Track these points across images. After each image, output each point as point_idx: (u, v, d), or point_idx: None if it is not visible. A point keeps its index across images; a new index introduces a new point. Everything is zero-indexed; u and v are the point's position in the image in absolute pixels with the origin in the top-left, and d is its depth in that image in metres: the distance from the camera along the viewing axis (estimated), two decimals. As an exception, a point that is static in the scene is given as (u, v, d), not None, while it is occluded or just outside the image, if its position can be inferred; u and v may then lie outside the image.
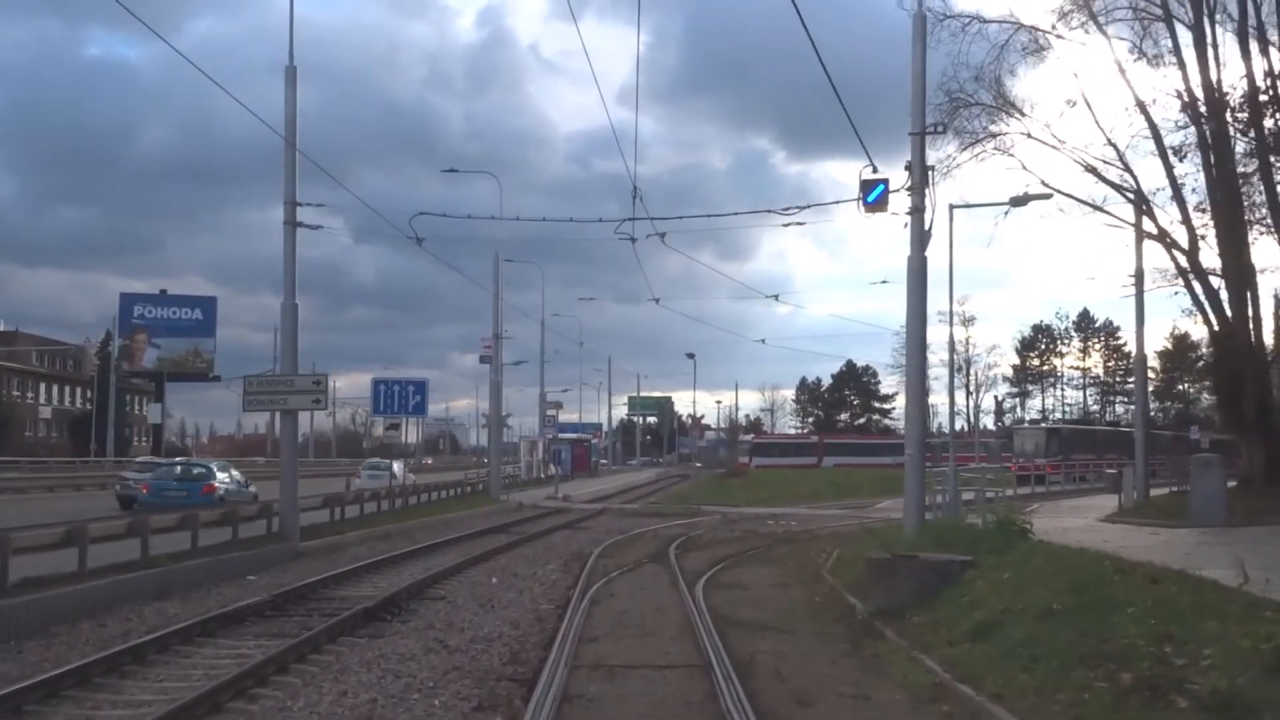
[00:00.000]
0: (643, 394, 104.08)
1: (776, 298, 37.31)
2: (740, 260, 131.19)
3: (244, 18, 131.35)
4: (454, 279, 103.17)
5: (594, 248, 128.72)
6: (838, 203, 19.67)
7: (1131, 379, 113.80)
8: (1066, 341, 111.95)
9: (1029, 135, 25.26)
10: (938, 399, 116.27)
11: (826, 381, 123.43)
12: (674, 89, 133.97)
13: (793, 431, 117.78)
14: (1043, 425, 57.81)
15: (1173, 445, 45.79)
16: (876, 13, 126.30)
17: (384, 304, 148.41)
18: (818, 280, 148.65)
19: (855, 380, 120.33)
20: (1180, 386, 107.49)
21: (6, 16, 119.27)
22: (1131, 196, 25.65)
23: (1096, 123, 25.83)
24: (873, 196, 15.29)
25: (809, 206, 17.53)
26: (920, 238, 16.99)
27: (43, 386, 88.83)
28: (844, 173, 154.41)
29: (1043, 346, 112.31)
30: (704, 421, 39.31)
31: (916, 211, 16.93)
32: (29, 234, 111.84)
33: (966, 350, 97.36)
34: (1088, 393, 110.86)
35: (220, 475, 25.57)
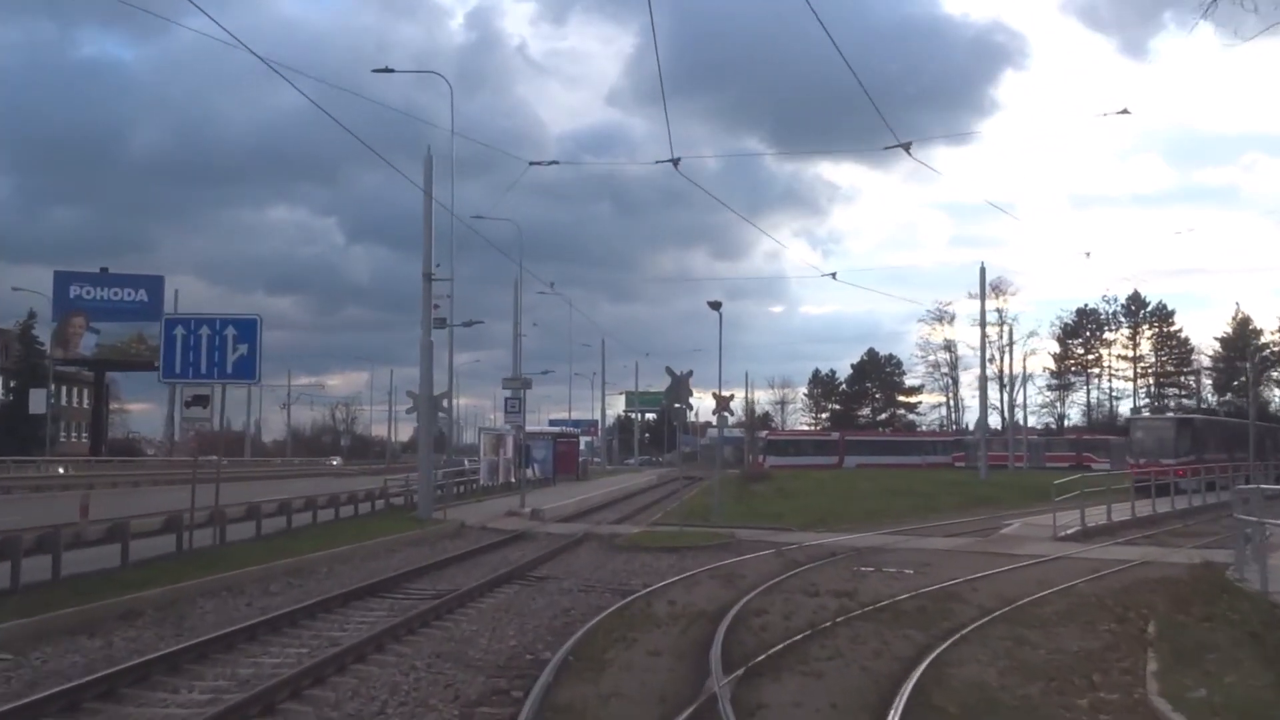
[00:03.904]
0: (641, 390, 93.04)
1: (834, 275, 26.26)
2: (733, 259, 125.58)
3: (236, 17, 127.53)
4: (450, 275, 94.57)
5: (586, 244, 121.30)
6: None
7: (1188, 370, 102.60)
8: (1114, 327, 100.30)
9: None
10: (967, 394, 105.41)
11: (842, 374, 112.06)
12: (664, 90, 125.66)
13: (804, 427, 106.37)
14: (1170, 416, 46.36)
15: None
16: (873, 14, 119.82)
17: (378, 303, 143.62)
18: (812, 280, 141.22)
19: (877, 371, 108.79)
20: (1244, 378, 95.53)
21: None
22: None
23: None
24: None
25: None
26: None
27: (-43, 375, 77.60)
28: (835, 172, 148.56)
29: (1088, 333, 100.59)
30: (732, 401, 28.86)
31: None
32: (22, 233, 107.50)
33: (1000, 337, 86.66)
34: (1138, 384, 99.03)
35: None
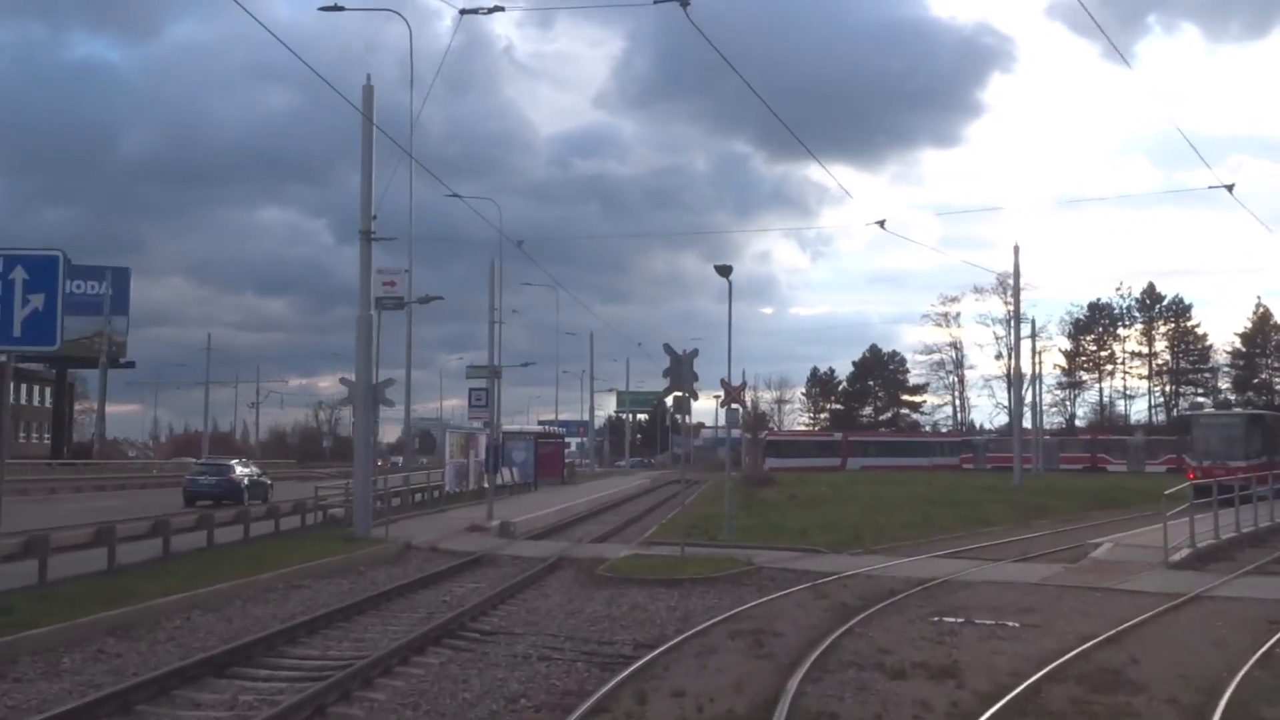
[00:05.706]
0: (632, 390, 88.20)
1: (882, 224, 22.15)
2: (725, 260, 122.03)
3: (223, 22, 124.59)
4: (441, 277, 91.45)
5: (575, 245, 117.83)
6: None
7: (1205, 367, 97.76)
8: (1128, 323, 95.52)
9: None
10: (973, 394, 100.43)
11: (842, 371, 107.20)
12: (652, 92, 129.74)
13: (801, 427, 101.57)
14: (1238, 411, 41.64)
15: None
16: (867, 16, 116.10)
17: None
18: (803, 280, 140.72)
19: (880, 369, 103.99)
20: (1263, 375, 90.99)
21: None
22: None
23: None
24: None
25: None
26: None
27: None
28: (824, 174, 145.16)
29: (1100, 329, 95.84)
30: (743, 390, 24.64)
31: None
32: (11, 233, 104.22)
33: (1008, 334, 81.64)
34: (1153, 383, 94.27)
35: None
